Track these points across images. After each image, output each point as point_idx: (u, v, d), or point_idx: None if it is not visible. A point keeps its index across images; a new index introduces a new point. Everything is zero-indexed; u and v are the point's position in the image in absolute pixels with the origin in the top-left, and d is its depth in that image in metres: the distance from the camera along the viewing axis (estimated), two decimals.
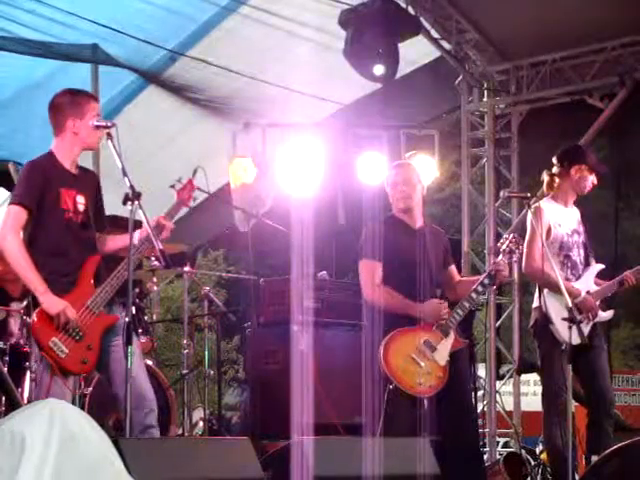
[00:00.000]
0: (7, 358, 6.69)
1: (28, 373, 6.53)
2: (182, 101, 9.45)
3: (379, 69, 8.04)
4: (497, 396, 9.44)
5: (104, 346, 4.88)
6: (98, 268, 4.98)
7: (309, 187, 9.32)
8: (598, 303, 6.19)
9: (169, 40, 8.55)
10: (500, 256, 5.85)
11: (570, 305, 5.53)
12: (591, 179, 6.34)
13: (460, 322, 5.83)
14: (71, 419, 3.16)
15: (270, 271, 14.29)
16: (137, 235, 4.93)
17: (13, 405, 5.28)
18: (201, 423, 8.33)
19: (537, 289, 6.20)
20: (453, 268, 6.08)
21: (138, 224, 4.91)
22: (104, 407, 6.39)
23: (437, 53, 9.49)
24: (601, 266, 6.34)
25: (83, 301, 4.86)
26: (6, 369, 6.38)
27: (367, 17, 7.88)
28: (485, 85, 9.81)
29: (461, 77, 9.79)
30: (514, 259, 5.94)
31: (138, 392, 4.88)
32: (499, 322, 9.80)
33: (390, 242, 5.76)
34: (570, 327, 5.52)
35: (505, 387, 9.84)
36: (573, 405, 6.01)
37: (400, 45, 8.08)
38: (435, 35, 9.29)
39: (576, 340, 5.54)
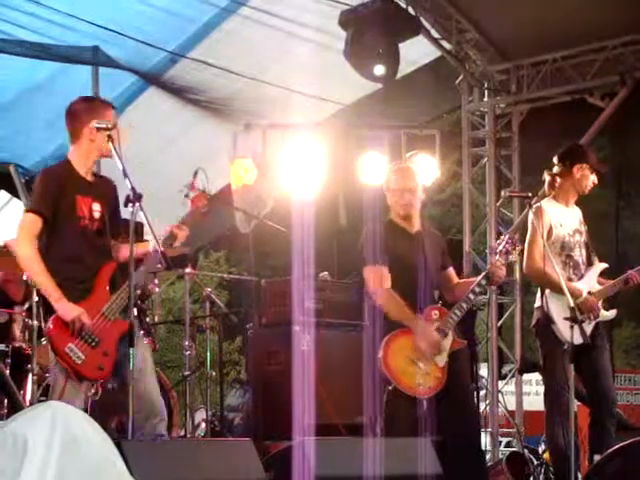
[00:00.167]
0: (9, 360, 6.71)
1: (30, 375, 6.56)
2: (183, 102, 9.45)
3: (379, 69, 8.04)
4: (499, 396, 9.44)
5: (120, 352, 4.87)
6: (114, 275, 4.97)
7: (310, 188, 9.32)
8: (601, 302, 6.18)
9: (169, 42, 8.55)
10: (497, 256, 5.84)
11: (572, 305, 5.53)
12: (592, 178, 6.34)
13: (461, 322, 5.83)
14: (73, 421, 3.16)
15: (271, 272, 14.30)
16: (152, 244, 4.96)
17: (15, 407, 5.29)
18: (203, 424, 8.34)
19: (539, 289, 6.20)
20: (451, 270, 6.08)
21: (140, 226, 4.91)
22: (106, 409, 6.38)
23: (437, 53, 9.49)
24: (604, 265, 6.34)
25: (99, 307, 4.86)
26: (8, 371, 6.41)
27: (367, 17, 7.88)
28: (486, 85, 9.81)
29: (462, 77, 9.80)
30: (510, 259, 5.93)
31: (149, 401, 4.90)
32: (501, 322, 9.80)
33: (390, 247, 5.76)
34: (572, 327, 5.52)
35: (507, 387, 9.84)
36: (575, 404, 6.00)
37: (400, 45, 8.08)
38: (435, 35, 9.29)
39: (578, 340, 5.54)
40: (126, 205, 4.68)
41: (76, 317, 4.75)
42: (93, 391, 4.98)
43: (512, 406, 9.73)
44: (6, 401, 6.31)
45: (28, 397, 6.62)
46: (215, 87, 9.24)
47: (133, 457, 3.76)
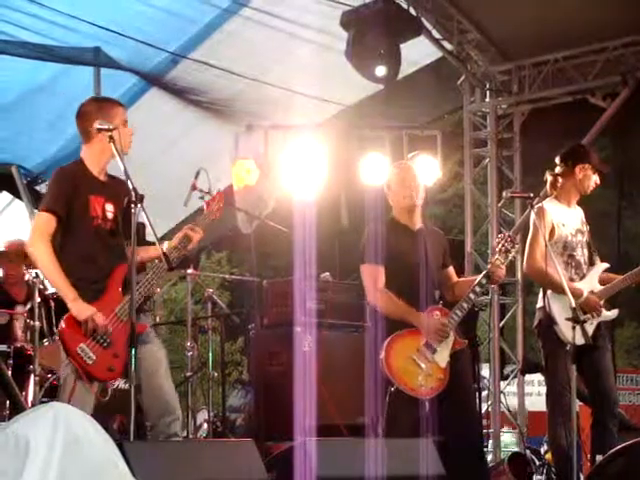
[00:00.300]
0: (11, 361, 6.72)
1: (32, 376, 6.57)
2: (184, 103, 9.46)
3: (381, 70, 8.04)
4: (501, 396, 9.44)
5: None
6: (127, 276, 4.98)
7: (311, 188, 9.32)
8: (602, 302, 6.18)
9: (171, 43, 8.55)
10: (496, 255, 5.84)
11: (573, 305, 5.53)
12: (594, 179, 6.33)
13: (463, 322, 5.82)
14: (75, 422, 3.16)
15: (273, 272, 14.30)
16: (166, 245, 5.00)
17: (17, 408, 5.30)
18: (205, 425, 8.34)
19: (541, 290, 6.20)
20: (451, 269, 6.08)
21: (141, 227, 4.92)
22: (108, 410, 6.39)
23: (439, 54, 9.50)
24: (606, 265, 6.33)
25: (111, 308, 4.86)
26: (10, 372, 6.41)
27: (369, 18, 7.88)
28: (487, 85, 9.81)
29: (463, 77, 9.80)
30: (510, 258, 5.92)
31: (163, 400, 4.91)
32: (503, 322, 9.80)
33: (391, 244, 5.76)
34: (574, 327, 5.51)
35: (509, 387, 9.83)
36: (577, 405, 6.00)
37: (402, 46, 8.08)
38: (437, 36, 9.29)
39: (580, 340, 5.53)
40: (128, 206, 4.68)
41: (89, 317, 4.75)
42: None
43: (514, 406, 9.73)
44: (8, 402, 6.31)
45: (30, 398, 6.63)
46: (217, 88, 9.24)
47: (135, 458, 3.76)
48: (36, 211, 9.39)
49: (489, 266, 5.86)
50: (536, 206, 6.11)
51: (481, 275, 5.83)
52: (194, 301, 10.68)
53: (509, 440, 10.28)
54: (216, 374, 8.31)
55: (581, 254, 6.25)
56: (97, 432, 3.24)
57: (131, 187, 4.66)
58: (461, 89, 9.90)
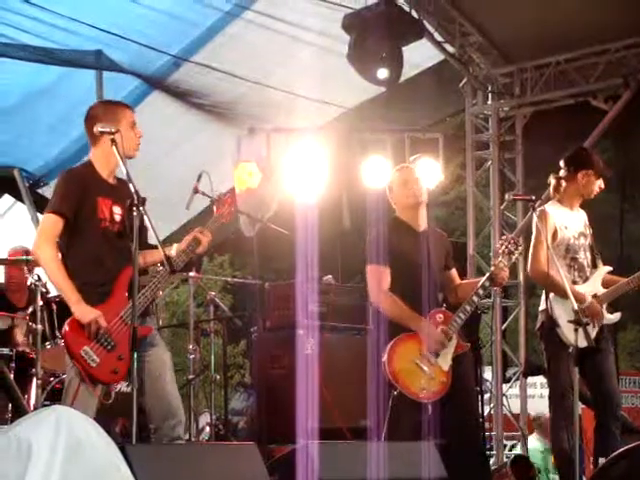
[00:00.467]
0: (13, 365, 6.71)
1: (34, 380, 6.56)
2: (186, 106, 9.46)
3: (383, 73, 8.05)
4: (504, 399, 9.43)
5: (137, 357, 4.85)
6: (133, 279, 4.96)
7: (313, 191, 9.32)
8: (605, 306, 6.18)
9: (173, 46, 8.56)
10: (500, 258, 5.83)
11: (576, 307, 5.52)
12: (598, 183, 6.33)
13: (466, 325, 5.82)
14: (77, 425, 3.16)
15: (276, 275, 14.30)
16: (175, 248, 5.01)
17: (19, 412, 5.30)
18: (208, 428, 8.33)
19: (544, 292, 6.20)
20: (454, 271, 6.08)
21: (143, 229, 4.91)
22: (110, 413, 6.39)
23: (441, 56, 9.49)
24: (608, 268, 6.32)
25: (117, 311, 4.85)
26: (12, 376, 6.41)
27: (370, 21, 7.88)
28: (489, 88, 9.80)
29: (465, 80, 9.80)
30: (513, 260, 5.92)
31: (167, 403, 4.90)
32: (505, 325, 9.80)
33: (394, 244, 5.76)
34: (576, 330, 5.51)
35: (512, 390, 9.83)
36: (580, 407, 6.00)
37: (404, 49, 8.08)
38: (439, 38, 9.29)
39: (582, 343, 5.53)
40: (130, 209, 4.68)
41: (93, 320, 4.74)
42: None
43: (516, 409, 9.72)
44: (10, 405, 6.31)
45: (32, 401, 6.63)
46: (219, 91, 9.25)
47: (137, 461, 3.76)
48: (38, 214, 9.43)
49: (492, 268, 5.85)
50: (539, 209, 6.11)
51: (484, 278, 5.82)
52: (196, 304, 10.67)
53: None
54: (218, 377, 8.30)
55: (584, 257, 6.25)
56: (99, 435, 3.24)
57: (133, 190, 4.66)
58: (463, 92, 9.89)
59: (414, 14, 8.57)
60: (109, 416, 6.19)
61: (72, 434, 3.10)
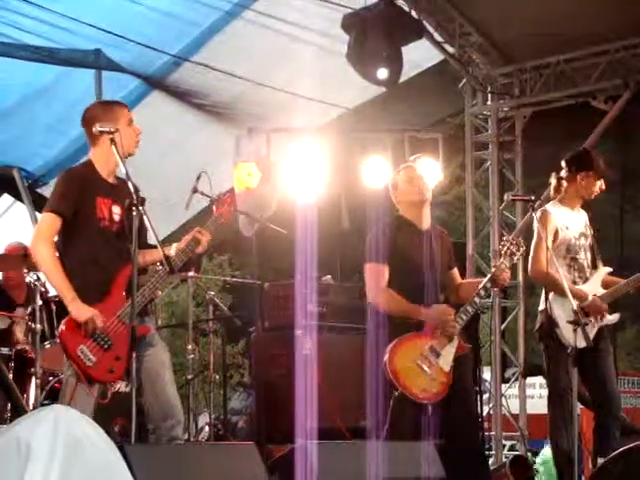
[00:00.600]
0: (12, 364, 6.72)
1: (33, 379, 6.56)
2: (186, 106, 9.46)
3: (382, 73, 8.05)
4: (503, 399, 9.43)
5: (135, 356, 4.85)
6: (130, 278, 4.96)
7: (313, 191, 9.32)
8: (605, 306, 6.18)
9: (173, 45, 8.56)
10: (501, 259, 5.83)
11: (575, 308, 5.52)
12: (599, 184, 6.33)
13: (466, 326, 5.81)
14: (76, 425, 3.16)
15: (275, 275, 14.28)
16: (174, 248, 5.01)
17: (18, 411, 5.30)
18: (207, 428, 8.34)
19: (543, 292, 6.20)
20: (455, 271, 6.07)
21: (143, 229, 4.91)
22: (110, 413, 6.39)
23: (440, 56, 9.49)
24: (608, 269, 6.33)
25: (114, 311, 4.84)
26: (11, 375, 6.41)
27: (370, 21, 7.88)
28: (489, 88, 9.79)
29: (465, 80, 9.79)
30: (515, 261, 5.92)
31: (166, 403, 4.90)
32: (504, 325, 9.79)
33: (397, 243, 5.75)
34: (575, 330, 5.51)
35: (511, 390, 9.82)
36: (579, 408, 6.00)
37: (403, 49, 8.08)
38: (438, 38, 9.29)
39: (581, 343, 5.54)
40: (129, 209, 4.68)
41: (89, 318, 4.74)
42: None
43: (516, 409, 9.72)
44: (9, 405, 6.30)
45: (31, 401, 6.63)
46: (218, 91, 9.24)
47: (136, 461, 3.76)
48: (37, 214, 9.43)
49: (494, 269, 5.85)
50: (540, 209, 6.12)
51: (486, 279, 5.81)
52: (195, 304, 10.67)
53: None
54: (217, 377, 8.30)
55: (584, 257, 6.25)
56: (98, 435, 3.24)
57: (132, 189, 4.66)
58: (463, 92, 9.89)
59: (414, 14, 8.57)
60: (108, 416, 6.19)
61: (71, 434, 3.10)
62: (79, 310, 4.76)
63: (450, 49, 9.45)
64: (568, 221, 6.25)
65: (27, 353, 6.82)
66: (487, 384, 9.43)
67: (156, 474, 3.99)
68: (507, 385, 9.79)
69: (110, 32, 8.01)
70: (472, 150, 9.90)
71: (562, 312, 5.94)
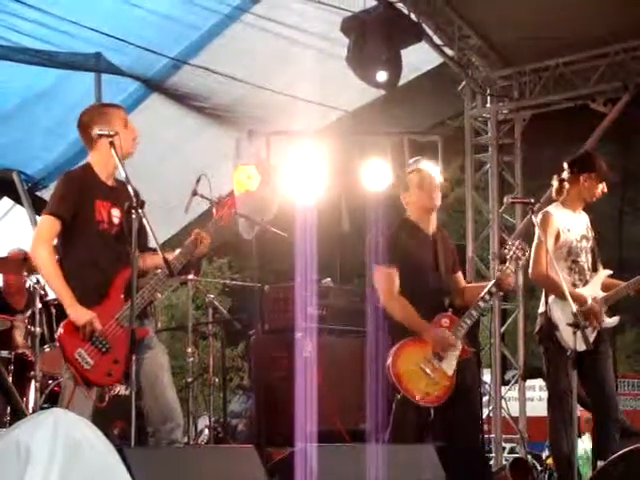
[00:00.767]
0: (12, 367, 6.71)
1: (33, 382, 6.56)
2: (186, 109, 9.46)
3: (382, 76, 8.05)
4: (502, 402, 9.43)
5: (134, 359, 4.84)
6: (129, 281, 4.95)
7: (313, 194, 9.31)
8: (604, 310, 6.18)
9: (172, 48, 8.56)
10: (507, 263, 5.82)
11: (575, 310, 5.52)
12: (601, 187, 6.33)
13: (468, 330, 5.81)
14: (75, 428, 3.16)
15: (274, 278, 14.29)
16: (177, 253, 5.01)
17: (18, 415, 5.29)
18: (206, 431, 8.33)
19: (543, 295, 6.20)
20: (460, 275, 6.08)
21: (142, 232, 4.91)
22: (109, 416, 6.38)
23: (440, 59, 9.50)
24: (608, 272, 6.32)
25: (112, 313, 4.84)
26: (11, 378, 6.41)
27: (369, 24, 7.89)
28: (488, 91, 9.80)
29: (464, 83, 9.80)
30: (520, 265, 5.91)
31: (165, 406, 4.90)
32: (504, 327, 9.79)
33: (404, 245, 5.75)
34: (575, 333, 5.51)
35: (510, 392, 9.82)
36: (578, 410, 6.00)
37: (403, 52, 8.08)
38: (438, 41, 9.30)
39: (581, 346, 5.53)
40: (128, 212, 4.68)
41: (87, 322, 4.74)
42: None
43: (515, 412, 9.72)
44: (9, 408, 6.30)
45: (31, 404, 6.62)
46: (218, 94, 9.24)
47: (136, 464, 3.76)
48: (37, 217, 9.42)
49: (498, 274, 5.84)
50: (542, 211, 6.12)
51: (490, 283, 5.81)
52: (195, 307, 10.67)
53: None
54: (217, 380, 8.30)
55: (585, 260, 6.25)
56: (98, 438, 3.24)
57: (132, 192, 4.66)
58: (462, 95, 9.90)
59: (413, 17, 8.58)
60: (107, 419, 6.19)
61: (70, 437, 3.10)
62: (77, 313, 4.76)
63: (449, 52, 9.46)
64: (570, 223, 6.25)
65: (27, 356, 6.82)
66: (487, 386, 9.43)
67: (155, 477, 3.99)
68: (507, 387, 9.79)
69: (110, 35, 8.01)
70: (472, 153, 9.91)
71: (562, 315, 5.94)
